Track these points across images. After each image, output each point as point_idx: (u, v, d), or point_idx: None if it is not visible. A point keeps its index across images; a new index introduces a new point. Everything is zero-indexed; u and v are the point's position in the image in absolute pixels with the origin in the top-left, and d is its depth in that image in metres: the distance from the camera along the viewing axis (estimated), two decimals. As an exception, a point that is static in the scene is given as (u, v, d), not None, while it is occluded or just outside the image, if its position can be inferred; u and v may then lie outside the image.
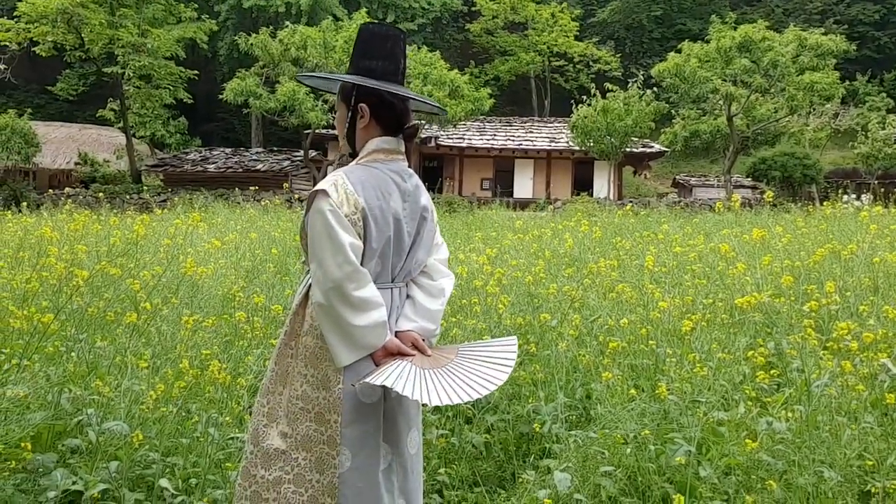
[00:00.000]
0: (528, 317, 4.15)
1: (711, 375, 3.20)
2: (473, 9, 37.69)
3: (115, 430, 2.68)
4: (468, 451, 3.25)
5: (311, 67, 23.71)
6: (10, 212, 10.70)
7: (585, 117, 22.55)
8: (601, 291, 4.77)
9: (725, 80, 23.14)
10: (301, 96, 22.96)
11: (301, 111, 23.12)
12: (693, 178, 29.60)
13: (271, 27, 25.41)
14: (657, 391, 3.10)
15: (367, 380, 1.90)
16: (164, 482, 2.51)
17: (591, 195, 23.84)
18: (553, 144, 27.92)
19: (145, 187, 24.27)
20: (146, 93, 26.64)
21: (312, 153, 26.23)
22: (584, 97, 23.30)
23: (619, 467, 2.84)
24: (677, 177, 30.78)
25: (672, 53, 24.46)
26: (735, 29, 24.40)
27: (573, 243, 6.60)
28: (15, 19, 25.04)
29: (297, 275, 5.77)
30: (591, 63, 36.71)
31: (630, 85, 22.97)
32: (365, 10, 26.12)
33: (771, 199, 6.04)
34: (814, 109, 25.77)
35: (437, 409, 3.41)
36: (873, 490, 2.74)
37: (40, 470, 2.56)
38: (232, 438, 2.87)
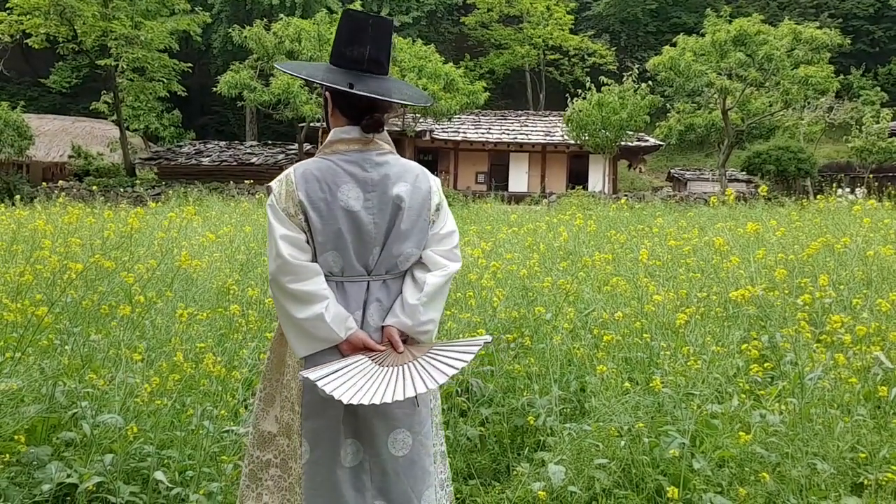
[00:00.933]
0: (523, 310, 4.16)
1: (705, 368, 3.21)
2: (468, 2, 37.56)
3: (109, 423, 2.68)
4: (463, 443, 3.26)
5: (306, 60, 23.60)
6: (3, 205, 10.64)
7: (580, 111, 22.53)
8: (596, 285, 4.78)
9: (720, 74, 23.16)
10: (295, 89, 22.86)
11: (295, 104, 23.03)
12: (688, 172, 29.64)
13: (265, 20, 25.30)
14: (651, 384, 3.10)
15: (302, 373, 1.89)
16: (159, 475, 2.51)
17: (587, 189, 23.87)
18: (548, 138, 27.91)
19: (139, 180, 24.16)
20: (140, 85, 26.50)
21: (307, 146, 26.13)
22: (580, 91, 23.28)
23: (614, 460, 2.85)
24: (672, 170, 30.82)
25: (667, 47, 24.46)
26: (730, 22, 24.41)
27: (568, 237, 6.60)
28: (7, 11, 24.85)
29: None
30: (586, 56, 36.67)
31: (625, 78, 22.95)
32: (360, 2, 25.95)
33: (765, 193, 6.05)
34: (808, 103, 25.82)
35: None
36: (866, 482, 2.76)
37: (35, 463, 2.55)
38: (227, 431, 2.86)
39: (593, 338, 3.79)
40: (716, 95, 23.81)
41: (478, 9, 37.45)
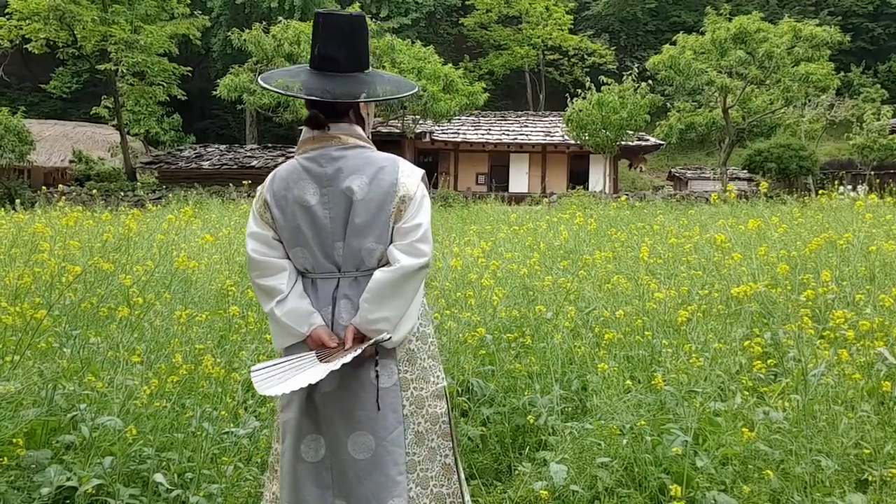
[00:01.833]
0: (524, 309, 4.14)
1: (708, 366, 3.19)
2: (467, 3, 37.57)
3: (108, 426, 2.66)
4: (464, 444, 3.24)
5: (305, 63, 23.58)
6: (3, 210, 10.65)
7: (580, 111, 22.51)
8: (596, 283, 4.76)
9: (721, 72, 23.13)
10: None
11: (295, 107, 23.02)
12: (689, 171, 29.61)
13: (264, 23, 25.30)
14: (653, 382, 3.09)
15: (257, 365, 1.97)
16: (158, 477, 2.50)
17: (587, 189, 23.85)
18: (548, 138, 27.88)
19: (140, 184, 24.18)
20: (140, 90, 26.53)
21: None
22: (579, 90, 23.25)
23: (616, 458, 2.83)
24: (673, 170, 30.79)
25: (667, 46, 24.43)
26: (730, 20, 24.38)
27: (568, 236, 6.59)
28: (7, 17, 24.90)
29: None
30: (585, 56, 36.65)
31: (625, 78, 22.92)
32: (358, 4, 25.95)
33: (766, 191, 6.03)
34: (809, 101, 25.79)
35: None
36: (870, 478, 2.74)
37: (34, 466, 2.54)
38: (227, 433, 2.85)
39: (594, 336, 3.77)
40: (716, 94, 23.78)
41: (476, 10, 37.46)
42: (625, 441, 2.86)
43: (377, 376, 2.00)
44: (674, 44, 24.12)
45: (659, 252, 5.51)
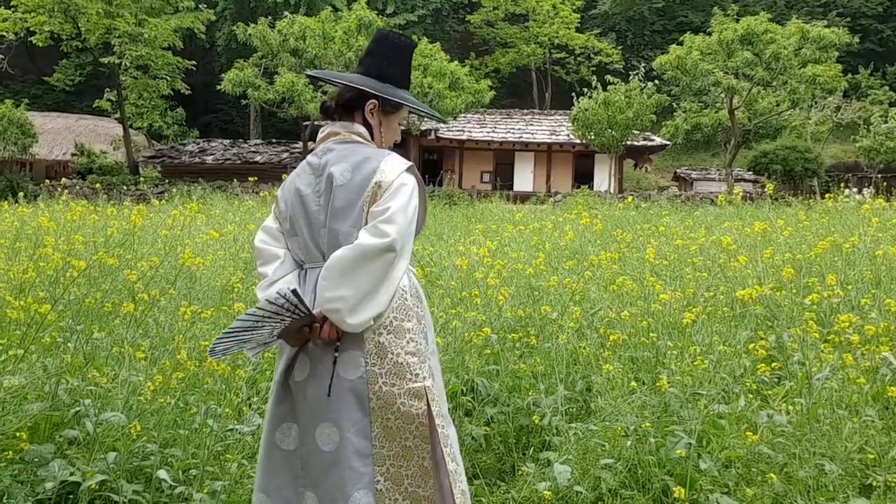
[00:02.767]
0: (529, 309, 4.14)
1: (712, 368, 3.19)
2: (473, 0, 37.51)
3: (112, 421, 2.67)
4: (468, 443, 3.24)
5: (311, 58, 23.61)
6: (6, 203, 10.67)
7: (586, 110, 22.46)
8: (602, 284, 4.75)
9: (727, 73, 23.06)
10: (300, 87, 22.84)
11: (300, 102, 23.01)
12: (694, 172, 29.54)
13: (270, 17, 25.26)
14: (658, 384, 3.08)
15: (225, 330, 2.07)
16: (162, 473, 2.50)
17: (592, 188, 23.81)
18: (554, 137, 27.84)
19: (143, 179, 24.19)
20: (143, 83, 26.52)
21: (312, 144, 26.13)
22: (585, 90, 23.20)
23: (620, 460, 2.83)
24: (678, 170, 30.72)
25: (674, 46, 24.35)
26: (737, 21, 24.29)
27: (574, 236, 6.58)
28: (12, 9, 24.90)
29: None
30: (592, 55, 36.55)
31: (631, 77, 22.87)
32: (364, 0, 25.90)
33: (772, 192, 6.01)
34: (816, 103, 25.69)
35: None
36: (874, 483, 2.73)
37: (37, 461, 2.55)
38: (231, 430, 2.85)
39: (599, 337, 3.77)
40: (722, 95, 23.71)
41: (483, 7, 37.38)
42: (629, 442, 2.86)
43: (335, 362, 1.99)
44: (681, 44, 24.05)
45: (664, 253, 5.50)
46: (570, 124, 24.51)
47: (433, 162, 28.21)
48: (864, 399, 3.01)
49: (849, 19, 33.66)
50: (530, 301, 4.34)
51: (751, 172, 25.27)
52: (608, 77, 23.11)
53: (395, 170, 2.05)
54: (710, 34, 24.35)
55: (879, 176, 22.15)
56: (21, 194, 12.79)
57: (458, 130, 27.93)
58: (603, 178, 25.95)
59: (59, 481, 2.44)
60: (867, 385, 3.03)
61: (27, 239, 5.15)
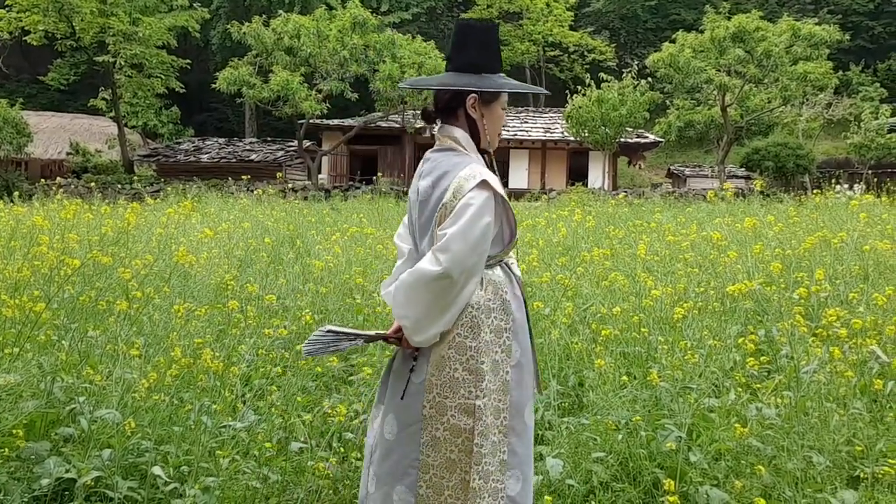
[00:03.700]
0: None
1: (702, 362, 3.22)
2: (468, -2, 37.53)
3: (107, 419, 2.68)
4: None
5: (305, 57, 23.57)
6: (1, 202, 10.64)
7: (580, 107, 22.48)
8: (594, 280, 4.78)
9: (719, 71, 23.12)
10: (295, 86, 22.79)
11: (295, 101, 22.96)
12: (687, 169, 29.61)
13: (264, 16, 25.20)
14: (649, 378, 3.11)
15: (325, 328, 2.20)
16: (156, 470, 2.52)
17: (587, 185, 23.83)
18: (548, 135, 27.87)
19: (138, 177, 24.12)
20: (138, 82, 26.43)
21: (307, 143, 26.11)
22: (579, 87, 23.23)
23: (611, 453, 2.86)
24: (671, 167, 30.79)
25: (667, 43, 24.40)
26: (729, 19, 24.36)
27: (567, 232, 6.61)
28: (6, 8, 24.79)
29: (291, 264, 5.77)
30: (585, 53, 36.60)
31: (625, 75, 22.89)
32: (359, -1, 25.86)
33: (761, 188, 6.06)
34: (807, 100, 25.77)
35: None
36: (862, 475, 2.77)
37: (33, 458, 2.56)
38: (225, 426, 2.87)
39: (591, 332, 3.80)
40: (715, 92, 23.77)
41: (477, 5, 37.37)
42: (620, 436, 2.89)
43: (412, 370, 2.09)
44: (673, 42, 24.10)
45: (656, 249, 5.54)
46: (564, 122, 24.53)
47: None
48: (851, 392, 3.05)
49: (840, 16, 33.77)
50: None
51: (743, 169, 25.34)
52: (602, 75, 23.12)
53: (462, 188, 2.03)
54: (702, 32, 24.40)
55: (870, 172, 22.25)
56: (16, 193, 12.75)
57: (452, 128, 27.90)
58: (597, 175, 26.01)
59: (54, 478, 2.46)
60: (855, 378, 3.06)
61: (22, 238, 5.15)
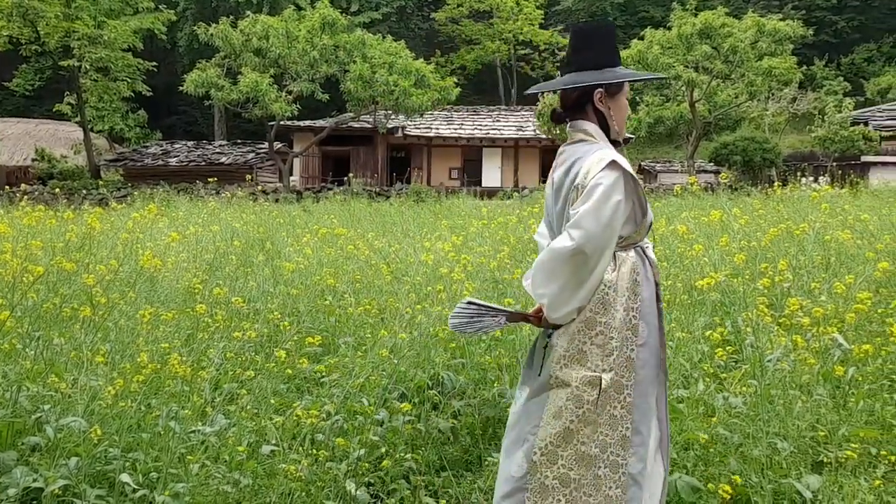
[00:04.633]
0: (494, 302, 4.17)
1: (671, 355, 3.27)
2: (438, -3, 37.54)
3: (73, 427, 2.64)
4: (435, 436, 3.28)
5: (274, 58, 23.36)
6: (-37, 210, 10.38)
7: (552, 105, 22.64)
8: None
9: (687, 67, 23.46)
10: (264, 87, 22.58)
11: (265, 102, 22.75)
12: (658, 164, 29.95)
13: (232, 17, 24.94)
14: (618, 371, 3.14)
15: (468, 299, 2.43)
16: (125, 477, 2.48)
17: (558, 182, 23.96)
18: (520, 133, 28.00)
19: (104, 182, 23.70)
20: (103, 85, 25.97)
21: (277, 145, 25.90)
22: (550, 85, 23.36)
23: (582, 446, 2.88)
24: (642, 163, 31.11)
25: (635, 40, 24.70)
26: (696, 16, 24.72)
27: (538, 229, 6.63)
28: (-33, 14, 24.19)
29: (261, 266, 5.72)
30: (556, 51, 36.85)
31: (594, 72, 23.07)
32: (328, -1, 25.71)
33: (727, 181, 6.17)
34: (772, 94, 26.28)
35: (402, 395, 3.46)
36: (826, 460, 2.83)
37: (0, 468, 2.51)
38: (194, 431, 2.84)
39: (562, 328, 3.82)
40: (683, 88, 24.12)
41: (448, 4, 37.41)
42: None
43: (545, 346, 2.20)
44: (642, 38, 24.39)
45: (625, 244, 5.58)
46: (536, 120, 24.66)
47: (401, 160, 28.15)
48: (815, 379, 3.12)
49: (803, 12, 34.45)
50: (495, 294, 4.39)
51: (712, 164, 25.74)
52: (572, 72, 23.28)
53: (593, 170, 2.12)
54: (669, 29, 24.74)
55: (834, 164, 22.74)
56: (-22, 202, 12.44)
57: (425, 128, 27.91)
58: (570, 172, 26.14)
59: (21, 488, 2.41)
60: (818, 365, 3.13)
61: (-17, 246, 5.03)
